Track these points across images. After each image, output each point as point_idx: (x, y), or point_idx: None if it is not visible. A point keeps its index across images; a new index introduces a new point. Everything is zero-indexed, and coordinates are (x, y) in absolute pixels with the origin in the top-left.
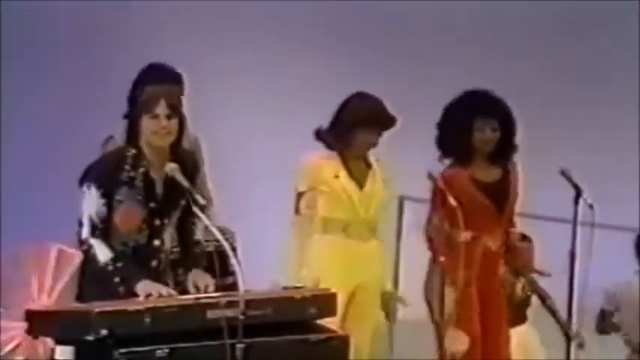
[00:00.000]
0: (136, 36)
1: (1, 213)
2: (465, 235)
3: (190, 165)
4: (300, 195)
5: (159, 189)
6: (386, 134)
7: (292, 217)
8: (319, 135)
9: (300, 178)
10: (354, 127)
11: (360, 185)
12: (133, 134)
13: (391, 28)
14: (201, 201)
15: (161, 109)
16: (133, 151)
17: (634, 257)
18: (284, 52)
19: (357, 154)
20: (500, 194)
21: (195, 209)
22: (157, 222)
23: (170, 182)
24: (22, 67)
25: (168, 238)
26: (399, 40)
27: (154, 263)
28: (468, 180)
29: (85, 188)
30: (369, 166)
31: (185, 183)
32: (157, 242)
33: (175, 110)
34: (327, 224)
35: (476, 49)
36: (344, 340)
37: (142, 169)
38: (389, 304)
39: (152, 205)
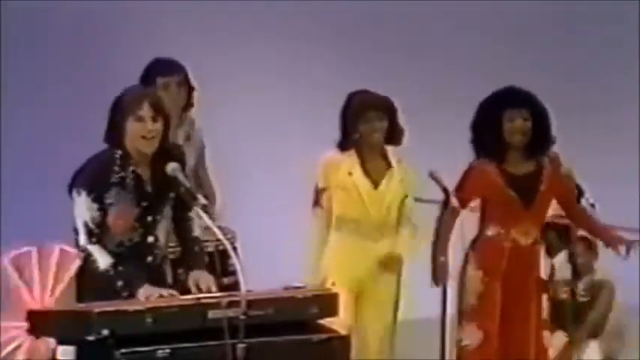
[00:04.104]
0: (136, 36)
1: (1, 213)
2: (492, 230)
3: (178, 159)
4: (322, 191)
5: (148, 186)
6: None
7: (314, 211)
8: (339, 146)
9: (320, 175)
10: (355, 120)
11: (375, 184)
12: (116, 135)
13: (394, 27)
14: (202, 200)
15: (145, 111)
16: (120, 152)
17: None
18: (285, 52)
19: (369, 145)
20: (529, 187)
21: (197, 209)
22: (149, 219)
23: (158, 178)
24: (22, 67)
25: (162, 234)
26: (401, 39)
27: (150, 259)
28: (496, 172)
29: (74, 194)
30: (389, 165)
31: (187, 183)
32: (150, 239)
33: (160, 111)
34: (340, 222)
35: (476, 50)
36: (345, 340)
37: (131, 168)
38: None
39: (143, 203)
